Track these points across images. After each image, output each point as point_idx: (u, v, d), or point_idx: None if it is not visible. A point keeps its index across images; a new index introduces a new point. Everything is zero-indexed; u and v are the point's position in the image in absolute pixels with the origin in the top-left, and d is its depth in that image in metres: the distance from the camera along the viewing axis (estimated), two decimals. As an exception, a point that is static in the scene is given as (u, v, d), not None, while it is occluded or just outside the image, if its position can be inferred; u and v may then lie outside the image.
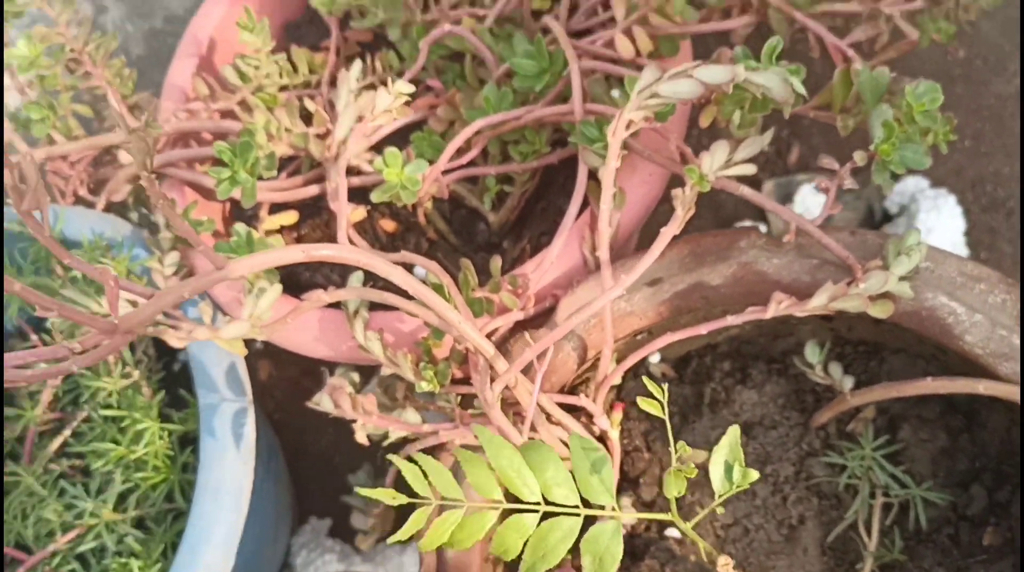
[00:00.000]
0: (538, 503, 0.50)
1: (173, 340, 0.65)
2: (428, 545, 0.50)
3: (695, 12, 0.69)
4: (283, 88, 0.85)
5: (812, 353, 0.69)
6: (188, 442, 0.84)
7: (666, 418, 0.55)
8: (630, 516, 0.57)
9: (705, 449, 0.71)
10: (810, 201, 1.06)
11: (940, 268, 0.61)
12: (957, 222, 1.05)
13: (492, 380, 0.62)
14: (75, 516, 0.82)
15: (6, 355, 0.47)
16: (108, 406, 0.83)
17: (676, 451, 0.54)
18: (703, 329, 0.64)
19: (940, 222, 1.03)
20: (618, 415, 0.68)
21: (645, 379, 0.56)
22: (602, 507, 0.51)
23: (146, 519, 0.83)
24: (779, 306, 0.62)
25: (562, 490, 0.50)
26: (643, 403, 0.56)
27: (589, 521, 0.52)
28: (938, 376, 0.65)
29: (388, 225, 0.86)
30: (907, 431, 0.69)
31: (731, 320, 0.63)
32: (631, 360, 0.66)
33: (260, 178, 0.75)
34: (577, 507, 0.50)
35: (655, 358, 0.76)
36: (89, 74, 0.83)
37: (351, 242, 0.76)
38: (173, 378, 0.90)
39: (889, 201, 1.08)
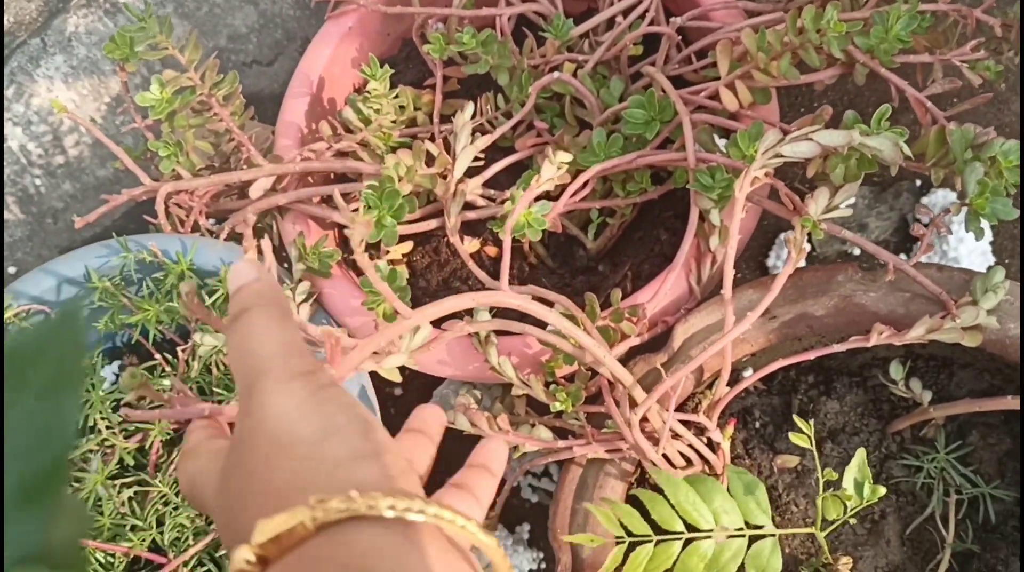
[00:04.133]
0: (712, 530, 0.59)
1: (345, 370, 0.72)
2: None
3: (797, 72, 0.78)
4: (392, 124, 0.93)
5: (896, 371, 0.78)
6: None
7: (815, 452, 0.64)
8: (784, 532, 0.66)
9: (798, 455, 0.81)
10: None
11: (1018, 301, 0.71)
12: (984, 232, 1.15)
13: (631, 406, 0.71)
14: (207, 522, 0.90)
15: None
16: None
17: (823, 476, 0.63)
18: (811, 355, 0.73)
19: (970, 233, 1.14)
20: (730, 429, 0.77)
21: (797, 418, 0.65)
22: (761, 526, 0.60)
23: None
24: (880, 336, 0.71)
25: (729, 516, 0.59)
26: (795, 438, 0.65)
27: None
28: (1002, 388, 0.75)
29: (491, 250, 0.94)
30: (975, 436, 0.80)
31: (837, 348, 0.72)
32: (745, 383, 0.75)
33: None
34: (742, 529, 0.59)
35: (747, 372, 0.85)
36: (216, 115, 0.90)
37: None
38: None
39: (920, 212, 1.18)
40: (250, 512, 0.34)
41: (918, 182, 1.17)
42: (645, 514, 0.63)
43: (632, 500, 0.66)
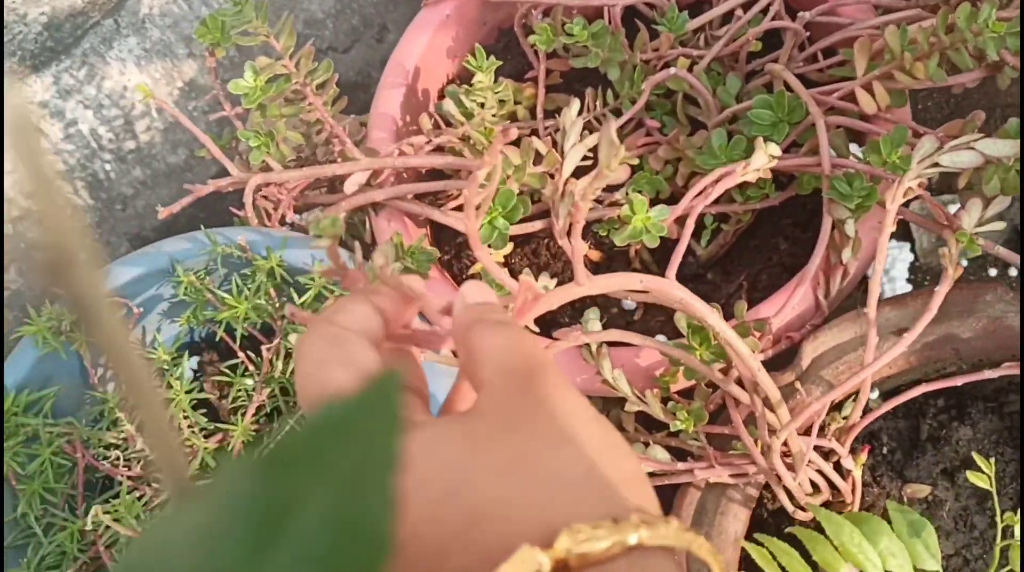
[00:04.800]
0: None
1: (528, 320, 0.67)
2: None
3: (944, 74, 0.72)
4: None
5: (1042, 399, 0.73)
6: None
7: (994, 494, 0.59)
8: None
9: (928, 484, 0.76)
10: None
11: None
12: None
13: (771, 430, 0.66)
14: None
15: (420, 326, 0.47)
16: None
17: (1002, 521, 0.58)
18: (959, 381, 0.68)
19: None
20: (863, 456, 0.72)
21: (976, 456, 0.60)
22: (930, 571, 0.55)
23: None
24: (1038, 363, 0.66)
25: (896, 559, 0.54)
26: (972, 476, 0.60)
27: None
28: None
29: (594, 255, 0.89)
30: (1124, 471, 0.74)
31: (989, 374, 0.67)
32: (882, 409, 0.70)
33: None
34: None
35: (873, 394, 0.80)
36: (311, 105, 0.86)
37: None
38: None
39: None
40: (529, 505, 0.30)
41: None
42: (804, 554, 0.58)
43: (789, 538, 0.61)
